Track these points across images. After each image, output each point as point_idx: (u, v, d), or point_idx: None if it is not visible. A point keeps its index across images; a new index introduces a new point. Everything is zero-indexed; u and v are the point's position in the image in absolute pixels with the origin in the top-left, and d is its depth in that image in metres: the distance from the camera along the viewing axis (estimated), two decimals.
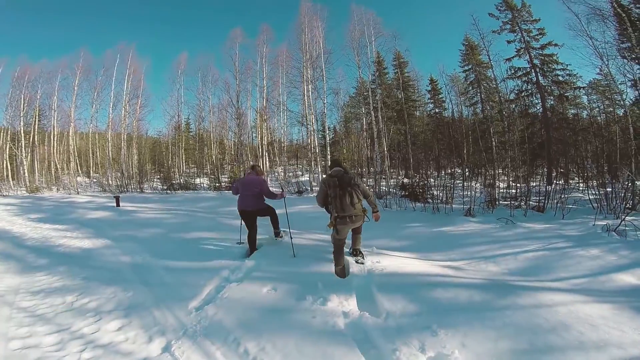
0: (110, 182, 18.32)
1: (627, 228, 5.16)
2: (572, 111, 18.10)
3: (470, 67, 19.32)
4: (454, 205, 8.24)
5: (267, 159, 19.95)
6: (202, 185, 16.17)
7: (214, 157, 22.26)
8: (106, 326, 2.65)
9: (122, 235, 5.95)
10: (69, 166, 21.11)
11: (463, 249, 4.83)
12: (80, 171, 23.03)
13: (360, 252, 4.16)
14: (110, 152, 20.54)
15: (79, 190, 17.30)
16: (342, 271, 3.67)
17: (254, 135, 22.47)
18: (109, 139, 20.64)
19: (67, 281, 3.70)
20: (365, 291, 3.09)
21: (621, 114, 18.86)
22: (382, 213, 6.94)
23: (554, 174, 14.67)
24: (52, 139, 21.60)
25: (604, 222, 5.74)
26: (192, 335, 2.46)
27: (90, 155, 24.69)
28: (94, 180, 21.25)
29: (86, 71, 20.85)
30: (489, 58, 16.72)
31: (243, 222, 4.74)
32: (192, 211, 8.65)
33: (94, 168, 24.67)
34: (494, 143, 15.91)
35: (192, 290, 3.24)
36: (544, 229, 5.74)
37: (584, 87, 17.06)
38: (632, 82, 12.40)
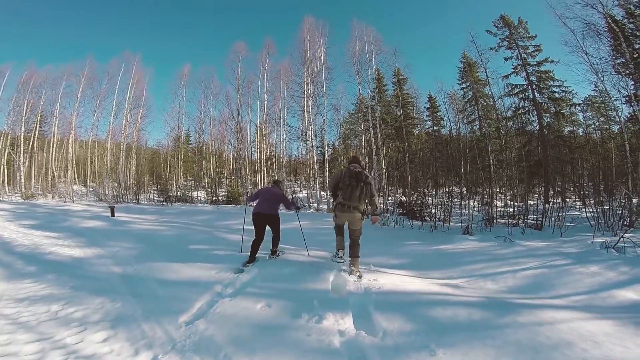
0: (106, 191, 18.23)
1: (625, 245, 5.16)
2: (568, 128, 18.31)
3: (468, 84, 19.65)
4: (451, 224, 8.22)
5: (266, 174, 19.93)
6: (199, 198, 16.11)
7: (212, 170, 22.26)
8: (91, 337, 2.56)
9: (115, 246, 5.85)
10: (66, 174, 21.05)
11: (461, 267, 4.78)
12: (77, 180, 22.94)
13: (358, 271, 4.13)
14: (108, 161, 20.52)
15: (74, 198, 17.20)
16: (340, 243, 4.57)
17: (253, 149, 22.57)
18: (108, 148, 20.67)
19: (54, 290, 3.59)
20: (362, 309, 3.01)
21: (616, 131, 19.15)
22: (379, 231, 7.01)
23: (551, 193, 14.70)
24: (51, 145, 21.59)
25: (602, 240, 5.74)
26: (181, 350, 2.36)
27: (89, 163, 24.65)
28: (91, 189, 21.14)
29: (90, 79, 21.12)
30: (487, 75, 17.02)
31: (254, 228, 4.93)
32: (187, 224, 8.57)
33: (91, 177, 24.58)
34: (491, 161, 15.98)
35: (183, 304, 3.15)
36: (542, 247, 5.73)
37: (579, 104, 17.30)
38: (627, 98, 12.58)
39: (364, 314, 2.92)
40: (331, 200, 5.12)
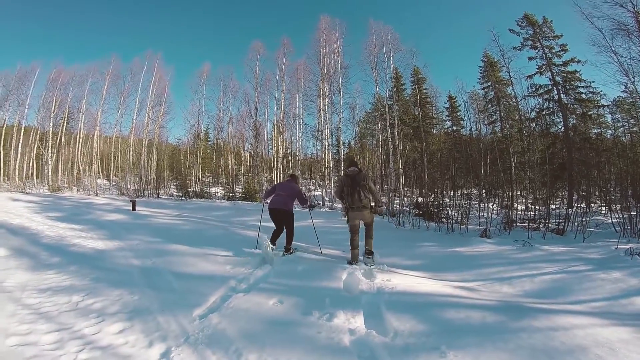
0: (128, 186, 18.85)
1: None
2: (595, 130, 17.55)
3: (489, 84, 19.14)
4: (469, 226, 8.05)
5: (282, 172, 20.10)
6: (216, 194, 16.41)
7: (229, 167, 22.62)
8: (108, 328, 2.64)
9: (135, 239, 6.05)
10: (91, 168, 21.90)
11: (477, 270, 4.68)
12: (101, 174, 23.82)
13: (372, 252, 4.84)
14: (131, 156, 21.21)
15: (98, 192, 17.85)
16: (355, 255, 4.71)
17: (269, 147, 22.77)
18: (131, 144, 21.36)
19: (76, 281, 3.73)
20: (373, 309, 3.01)
21: None
22: (394, 232, 6.95)
23: (575, 197, 14.16)
24: (77, 141, 22.53)
25: (627, 246, 5.50)
26: (194, 343, 2.43)
27: (112, 158, 25.57)
28: (114, 183, 21.91)
29: (115, 77, 21.93)
30: (510, 75, 16.53)
31: (273, 222, 5.32)
32: (205, 219, 8.76)
33: (114, 171, 25.47)
34: (513, 163, 15.51)
35: (198, 298, 3.23)
36: (563, 252, 5.55)
37: (607, 105, 16.54)
38: None
39: (376, 314, 2.92)
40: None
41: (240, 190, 16.53)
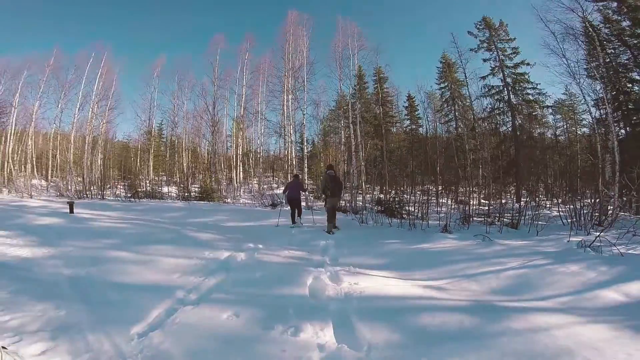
0: (69, 186, 16.99)
1: (601, 244, 5.14)
2: (538, 130, 18.88)
3: (446, 84, 19.84)
4: (430, 222, 8.11)
5: (242, 170, 19.31)
6: (170, 194, 15.31)
7: (185, 165, 21.30)
8: (26, 349, 2.15)
9: (69, 245, 5.26)
10: (25, 168, 19.45)
11: (443, 267, 4.59)
12: (36, 174, 21.31)
13: (336, 227, 7.43)
14: (71, 155, 19.14)
15: (32, 194, 15.89)
16: (331, 228, 7.21)
17: (229, 144, 21.81)
18: (72, 141, 19.30)
19: None
20: (343, 318, 2.71)
21: (582, 133, 19.97)
22: (359, 230, 7.18)
23: (523, 192, 15.08)
24: (8, 137, 19.92)
25: (577, 239, 5.76)
26: None
27: (50, 157, 22.94)
28: (52, 184, 19.65)
29: (56, 69, 19.68)
30: (465, 76, 17.20)
31: (289, 207, 8.22)
32: (155, 222, 7.98)
33: (53, 171, 22.91)
34: (468, 161, 16.17)
35: (137, 313, 2.74)
36: (521, 246, 5.68)
37: (551, 106, 17.84)
38: (595, 102, 13.06)
39: (346, 324, 2.62)
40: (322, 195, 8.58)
41: (196, 189, 15.56)
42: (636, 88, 12.97)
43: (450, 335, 2.46)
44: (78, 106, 19.40)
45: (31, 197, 14.74)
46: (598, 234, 5.52)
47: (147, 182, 18.35)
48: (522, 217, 7.88)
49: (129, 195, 14.57)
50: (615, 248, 4.95)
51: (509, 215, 8.30)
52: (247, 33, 22.99)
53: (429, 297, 3.34)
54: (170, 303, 2.98)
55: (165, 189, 16.22)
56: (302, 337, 2.37)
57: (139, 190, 15.09)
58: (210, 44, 19.64)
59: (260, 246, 5.36)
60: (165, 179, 21.14)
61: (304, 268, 4.10)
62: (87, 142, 19.45)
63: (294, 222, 8.01)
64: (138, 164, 23.04)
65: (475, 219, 8.50)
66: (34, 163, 20.57)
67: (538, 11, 12.56)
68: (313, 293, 3.22)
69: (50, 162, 22.76)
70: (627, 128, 13.23)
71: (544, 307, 3.10)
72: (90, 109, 19.48)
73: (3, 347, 1.12)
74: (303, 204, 9.72)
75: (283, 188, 9.72)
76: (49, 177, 22.06)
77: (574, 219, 7.37)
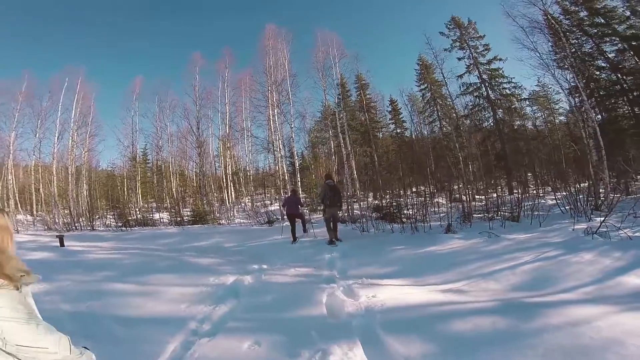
0: (57, 219, 16.29)
1: (607, 229, 5.12)
2: (518, 122, 19.25)
3: (426, 85, 20.14)
4: (431, 223, 8.02)
5: (233, 190, 18.95)
6: (162, 220, 14.86)
7: (174, 189, 20.80)
8: None
9: (65, 279, 4.89)
10: (7, 203, 18.55)
11: (456, 269, 4.46)
12: (20, 209, 20.38)
13: (338, 239, 7.30)
14: (55, 187, 18.39)
15: (19, 228, 15.17)
16: (332, 237, 7.16)
17: (217, 164, 21.46)
18: (54, 172, 18.56)
19: None
20: (369, 334, 2.54)
21: (559, 122, 20.47)
22: (362, 239, 7.07)
23: (514, 183, 15.23)
24: None
25: (581, 226, 5.76)
26: None
27: (33, 191, 21.98)
28: (39, 217, 18.80)
29: (29, 97, 18.71)
30: (443, 76, 17.52)
31: (289, 222, 8.01)
32: (150, 250, 7.63)
33: (38, 205, 21.96)
34: (460, 158, 16.31)
35: (152, 348, 2.50)
36: (528, 239, 5.61)
37: (528, 99, 18.27)
38: (568, 91, 13.39)
39: (374, 340, 2.44)
40: (320, 206, 9.31)
41: (188, 213, 15.15)
42: (603, 75, 13.43)
43: (488, 338, 2.34)
44: (57, 135, 18.54)
45: (17, 232, 14.06)
46: (602, 219, 5.51)
47: (137, 209, 17.82)
48: (522, 210, 7.87)
49: (120, 224, 14.06)
50: (622, 232, 4.94)
51: (504, 208, 8.31)
52: (225, 48, 23.02)
53: (452, 302, 3.20)
54: (184, 336, 2.73)
55: (156, 216, 15.71)
56: None
57: (130, 218, 14.57)
58: (188, 63, 19.54)
59: (265, 266, 5.14)
60: (155, 205, 20.54)
61: (316, 285, 3.90)
62: (70, 172, 18.65)
63: (294, 238, 7.71)
64: (125, 192, 22.38)
65: (474, 215, 8.46)
66: (17, 198, 19.63)
67: (504, 7, 12.97)
68: (331, 311, 3.03)
69: (34, 196, 21.85)
70: (603, 113, 13.63)
71: (572, 300, 3.01)
72: (70, 137, 18.69)
73: (84, 347, 1.12)
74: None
75: (280, 204, 10.03)
76: (35, 212, 21.15)
77: (572, 206, 7.44)
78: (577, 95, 13.08)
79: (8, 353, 0.99)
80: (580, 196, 7.77)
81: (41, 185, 20.28)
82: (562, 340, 2.19)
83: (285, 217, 9.31)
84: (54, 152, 18.53)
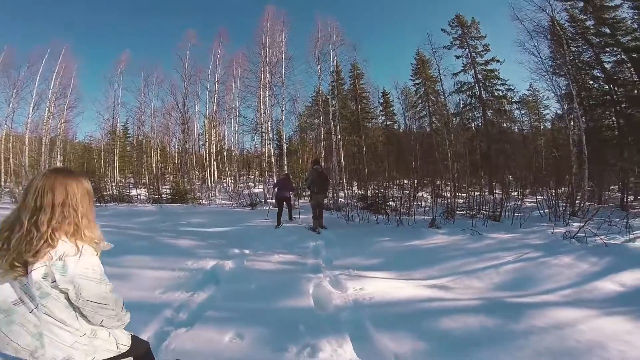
0: None
1: (585, 235, 5.27)
2: (505, 125, 19.62)
3: (420, 81, 20.10)
4: (415, 217, 8.06)
5: (216, 169, 18.51)
6: (139, 197, 14.37)
7: (154, 165, 20.13)
8: None
9: None
10: None
11: (440, 265, 4.48)
12: None
13: (323, 226, 7.19)
14: (27, 157, 17.46)
15: None
16: (317, 224, 7.05)
17: (200, 142, 20.86)
18: (26, 143, 17.60)
19: None
20: (358, 329, 2.46)
21: (544, 128, 21.04)
22: (347, 228, 7.04)
23: (494, 184, 15.57)
24: None
25: (560, 230, 5.91)
26: None
27: (2, 160, 20.80)
28: (6, 189, 17.83)
29: (6, 66, 17.63)
30: (439, 72, 17.46)
31: (277, 205, 8.04)
32: (125, 228, 7.31)
33: (7, 176, 20.80)
34: (448, 155, 16.47)
35: None
36: (510, 239, 5.71)
37: (518, 102, 18.59)
38: (558, 97, 13.72)
39: (364, 335, 2.36)
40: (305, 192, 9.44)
41: (167, 191, 14.70)
42: (596, 85, 13.77)
43: (477, 338, 2.33)
44: (32, 105, 17.55)
45: None
46: (581, 225, 5.66)
47: (113, 184, 17.13)
48: (503, 210, 8.01)
49: (94, 199, 13.48)
50: (597, 238, 5.09)
51: (486, 207, 8.46)
52: (221, 27, 22.13)
53: (439, 298, 3.18)
54: (158, 325, 2.54)
55: (133, 192, 15.18)
56: (322, 358, 2.08)
57: (105, 193, 13.99)
58: (181, 38, 18.59)
59: (247, 252, 4.99)
60: (132, 180, 19.86)
61: (301, 275, 3.80)
62: (44, 143, 17.80)
63: (279, 222, 7.63)
64: (102, 165, 21.51)
65: (458, 212, 8.56)
66: None
67: (514, 9, 13.04)
68: (319, 303, 2.94)
69: (2, 166, 20.69)
70: (589, 122, 14.02)
71: (554, 302, 3.08)
72: (47, 109, 17.79)
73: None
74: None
75: (268, 185, 10.21)
76: (2, 183, 20.05)
77: (551, 210, 7.64)
78: (567, 102, 13.45)
79: (75, 306, 1.17)
80: (560, 201, 7.99)
81: (11, 155, 19.19)
82: (549, 342, 2.21)
83: (270, 200, 9.50)
84: (27, 121, 17.54)
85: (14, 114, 17.86)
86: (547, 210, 7.94)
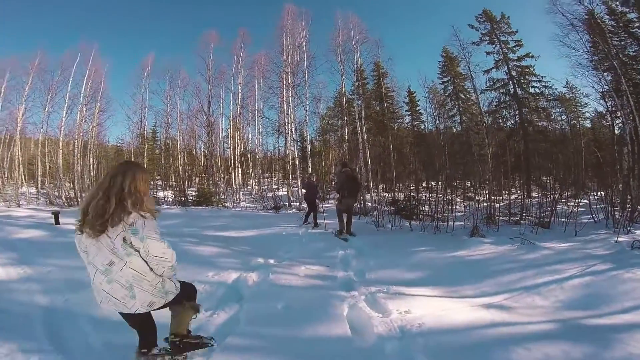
0: (60, 194, 16.04)
1: None
2: (541, 123, 18.38)
3: (448, 78, 19.21)
4: (452, 223, 7.40)
5: (240, 171, 18.46)
6: (166, 199, 14.49)
7: (180, 168, 20.41)
8: None
9: (49, 264, 4.43)
10: (12, 175, 18.40)
11: (493, 279, 3.88)
12: (26, 181, 20.27)
13: (352, 233, 6.72)
14: (60, 160, 18.17)
15: (21, 202, 14.98)
16: (342, 229, 6.67)
17: (225, 145, 20.95)
18: (60, 146, 18.32)
19: None
20: None
21: (584, 127, 19.58)
22: (378, 235, 6.77)
23: (533, 187, 14.51)
24: None
25: (624, 238, 5.24)
26: None
27: (39, 164, 21.83)
28: (44, 191, 18.66)
29: (41, 71, 18.29)
30: (470, 69, 16.58)
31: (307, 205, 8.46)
32: None
33: (45, 178, 21.81)
34: (489, 155, 15.56)
35: None
36: (568, 249, 5.06)
37: (557, 99, 17.39)
38: (602, 94, 12.85)
39: None
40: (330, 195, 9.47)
41: (193, 193, 14.74)
42: None
43: None
44: (65, 109, 18.22)
45: (19, 206, 13.84)
46: None
47: None
48: (553, 215, 7.22)
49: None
50: None
51: (532, 212, 7.69)
52: (240, 29, 22.20)
53: (504, 322, 2.63)
54: None
55: (161, 194, 15.36)
56: None
57: None
58: (201, 41, 18.65)
59: (272, 261, 4.60)
60: (160, 183, 20.22)
61: (332, 292, 3.33)
62: (76, 146, 18.46)
63: (306, 220, 8.08)
64: None
65: (500, 218, 7.82)
66: (24, 171, 19.45)
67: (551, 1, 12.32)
68: (356, 330, 2.44)
69: (39, 169, 21.72)
70: (637, 119, 12.86)
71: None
72: (79, 112, 18.46)
73: (212, 338, 1.79)
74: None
75: (299, 187, 11.83)
76: (39, 185, 21.06)
77: (608, 216, 6.85)
78: (611, 99, 12.37)
79: (146, 261, 1.64)
80: (617, 207, 7.16)
81: (47, 159, 20.06)
82: None
83: (293, 203, 9.65)
84: (61, 125, 18.17)
85: (49, 118, 18.52)
86: (600, 216, 7.12)
